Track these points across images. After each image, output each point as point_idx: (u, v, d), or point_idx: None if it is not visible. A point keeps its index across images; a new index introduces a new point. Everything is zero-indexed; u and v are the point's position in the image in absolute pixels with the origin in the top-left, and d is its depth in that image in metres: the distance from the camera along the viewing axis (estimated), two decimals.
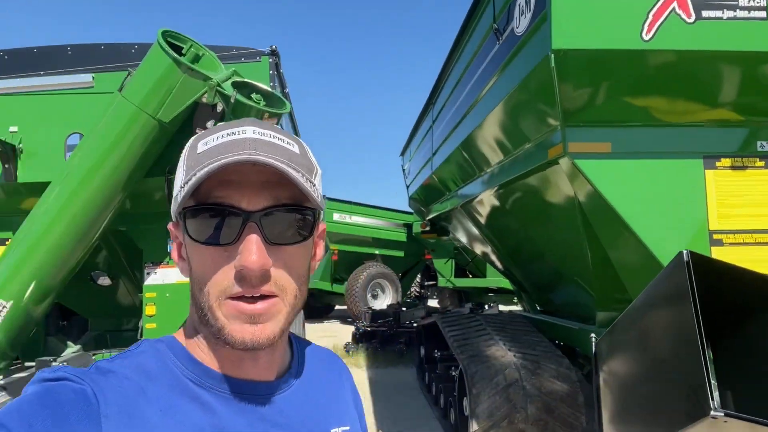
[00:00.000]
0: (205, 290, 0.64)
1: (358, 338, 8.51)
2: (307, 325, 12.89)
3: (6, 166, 4.10)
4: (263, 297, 0.63)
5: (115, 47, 4.40)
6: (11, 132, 4.18)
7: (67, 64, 4.32)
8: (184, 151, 0.68)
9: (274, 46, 4.51)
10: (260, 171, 0.62)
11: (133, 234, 4.63)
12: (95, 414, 0.56)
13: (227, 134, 0.64)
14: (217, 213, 0.62)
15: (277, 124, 4.24)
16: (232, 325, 0.63)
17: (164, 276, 4.54)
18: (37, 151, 4.22)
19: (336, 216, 12.59)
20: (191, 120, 4.09)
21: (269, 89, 4.30)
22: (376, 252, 13.41)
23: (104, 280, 5.26)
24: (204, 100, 3.95)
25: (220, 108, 4.00)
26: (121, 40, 4.51)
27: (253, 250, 0.60)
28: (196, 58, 4.05)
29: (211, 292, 0.63)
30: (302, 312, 7.47)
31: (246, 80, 4.19)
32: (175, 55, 3.85)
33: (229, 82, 4.03)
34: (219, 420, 0.64)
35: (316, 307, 14.69)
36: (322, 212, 0.71)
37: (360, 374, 7.04)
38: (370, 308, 9.50)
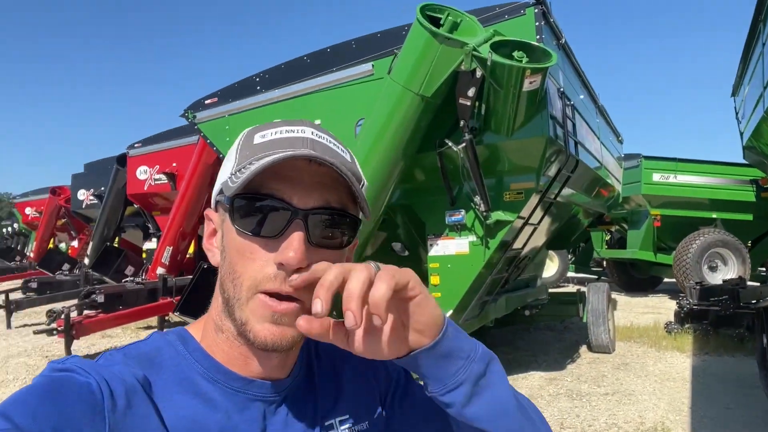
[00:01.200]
0: (239, 281, 0.63)
1: (683, 317, 7.28)
2: (628, 299, 11.76)
3: None
4: (291, 299, 0.62)
5: (389, 33, 4.68)
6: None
7: (353, 57, 4.80)
8: (237, 139, 0.68)
9: None
10: (314, 171, 0.63)
11: (417, 208, 4.91)
12: (99, 408, 0.56)
13: (286, 130, 0.65)
14: (267, 205, 0.62)
15: (542, 79, 3.85)
16: (256, 322, 0.63)
17: (445, 247, 4.68)
18: None
19: (656, 177, 10.95)
20: (454, 91, 4.06)
21: (533, 43, 3.93)
22: (714, 216, 11.20)
23: (402, 251, 5.75)
24: (462, 67, 3.86)
25: (479, 73, 3.85)
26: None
27: (294, 246, 0.60)
28: (454, 26, 3.98)
29: (244, 284, 0.63)
30: (606, 285, 6.77)
31: (505, 39, 3.92)
32: (432, 27, 3.85)
33: (487, 44, 3.83)
34: (225, 417, 0.64)
35: (639, 279, 13.22)
36: (360, 224, 0.69)
37: (680, 361, 6.00)
38: (698, 283, 7.98)
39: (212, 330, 0.69)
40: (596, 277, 14.78)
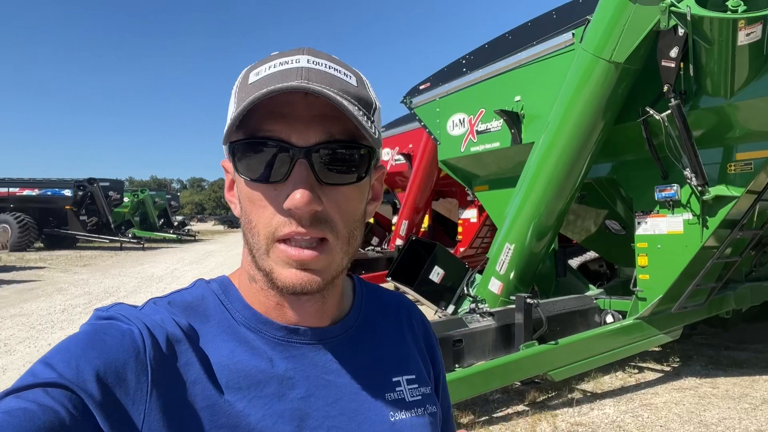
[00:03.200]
0: (255, 230, 0.61)
1: None
2: None
3: (513, 131, 4.88)
4: (313, 243, 0.59)
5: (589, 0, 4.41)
6: (516, 101, 4.92)
7: (554, 28, 4.66)
8: (235, 83, 0.64)
9: None
10: (311, 104, 0.58)
11: (622, 182, 4.56)
12: (142, 355, 0.56)
13: (280, 63, 0.60)
14: (265, 148, 0.58)
15: (765, 27, 3.23)
16: (281, 269, 0.60)
17: (654, 226, 4.28)
18: (536, 114, 4.79)
19: None
20: (655, 54, 3.67)
21: None
22: None
23: (618, 229, 5.37)
24: (661, 26, 3.47)
25: (681, 31, 3.42)
26: None
27: (301, 189, 0.57)
28: None
29: (261, 233, 0.60)
30: None
31: None
32: None
33: None
34: (269, 364, 0.63)
35: None
36: (379, 151, 0.64)
37: None
38: None
39: (246, 280, 0.67)
40: None
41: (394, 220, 12.06)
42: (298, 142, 0.58)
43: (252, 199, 0.60)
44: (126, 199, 25.20)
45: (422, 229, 9.10)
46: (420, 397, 0.71)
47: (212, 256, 18.32)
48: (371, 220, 11.77)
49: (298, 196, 0.56)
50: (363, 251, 8.56)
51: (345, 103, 0.56)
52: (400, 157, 9.33)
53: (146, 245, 22.13)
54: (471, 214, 8.46)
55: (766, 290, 5.22)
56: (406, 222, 8.69)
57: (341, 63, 0.62)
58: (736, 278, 4.85)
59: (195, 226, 46.21)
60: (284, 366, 0.63)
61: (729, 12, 3.25)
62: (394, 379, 0.70)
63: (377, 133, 0.61)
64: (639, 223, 4.38)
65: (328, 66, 0.60)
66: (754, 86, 3.53)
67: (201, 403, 0.57)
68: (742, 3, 3.26)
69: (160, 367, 0.57)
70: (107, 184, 23.18)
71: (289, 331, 0.65)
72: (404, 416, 0.68)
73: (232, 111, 0.60)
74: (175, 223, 29.92)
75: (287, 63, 0.59)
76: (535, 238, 4.52)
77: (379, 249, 8.49)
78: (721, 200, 3.86)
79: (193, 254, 19.26)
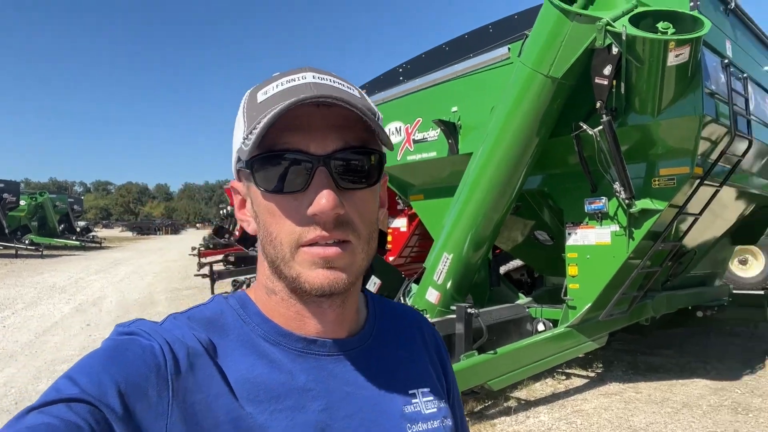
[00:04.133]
0: (277, 241, 0.62)
1: None
2: None
3: (450, 141, 4.90)
4: (337, 242, 0.61)
5: (525, 14, 4.54)
6: (453, 112, 4.95)
7: (490, 41, 4.74)
8: (241, 103, 0.66)
9: None
10: (325, 115, 0.61)
11: (554, 194, 4.70)
12: (163, 371, 0.57)
13: (287, 81, 0.62)
14: (285, 159, 0.61)
15: (692, 51, 3.43)
16: (308, 271, 0.61)
17: (584, 237, 4.43)
18: (473, 125, 4.84)
19: None
20: (589, 71, 3.81)
21: (680, 11, 3.51)
22: None
23: (546, 239, 5.54)
24: (596, 45, 3.60)
25: (615, 50, 3.56)
26: None
27: (324, 194, 0.59)
28: (590, 1, 3.73)
29: (284, 242, 0.62)
30: None
31: (648, 9, 3.57)
32: (562, 4, 3.67)
33: (625, 17, 3.53)
34: (289, 377, 0.64)
35: None
36: (385, 156, 0.67)
37: None
38: None
39: (264, 294, 0.68)
40: None
41: None
42: (317, 151, 0.60)
43: (272, 212, 0.62)
44: (23, 203, 23.16)
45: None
46: (436, 410, 0.72)
47: (121, 265, 17.23)
48: None
49: (323, 201, 0.58)
50: None
51: (357, 111, 0.59)
52: None
53: (45, 252, 20.50)
54: (401, 224, 8.45)
55: (680, 298, 5.57)
56: None
57: (341, 78, 0.66)
58: (654, 287, 5.12)
59: (100, 232, 43.36)
60: (304, 378, 0.64)
61: (660, 33, 3.43)
62: (411, 392, 0.71)
63: (387, 138, 0.64)
64: (569, 234, 4.53)
65: (332, 81, 0.63)
66: (678, 106, 3.74)
67: (223, 417, 0.58)
68: (671, 26, 3.45)
69: (181, 382, 0.58)
70: (1, 185, 21.23)
71: (309, 342, 0.66)
72: (421, 428, 0.70)
73: (243, 129, 0.62)
74: (78, 229, 28.00)
75: (294, 80, 0.62)
76: (473, 248, 4.54)
77: None
78: (646, 213, 4.05)
79: (99, 262, 18.02)
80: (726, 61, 3.95)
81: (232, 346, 0.64)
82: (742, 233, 6.34)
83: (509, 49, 4.56)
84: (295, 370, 0.64)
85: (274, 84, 0.63)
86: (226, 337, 0.64)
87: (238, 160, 0.64)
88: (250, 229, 0.68)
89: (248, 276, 7.72)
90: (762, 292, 6.25)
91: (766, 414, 4.12)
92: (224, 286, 10.87)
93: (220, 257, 12.84)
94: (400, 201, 8.32)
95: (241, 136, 0.63)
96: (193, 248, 15.62)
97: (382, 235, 9.65)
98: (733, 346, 6.51)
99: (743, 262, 10.41)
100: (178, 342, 0.60)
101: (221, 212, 33.50)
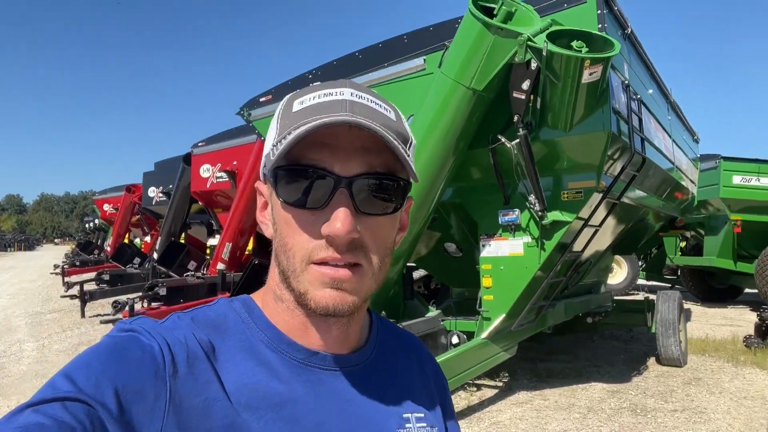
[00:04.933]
0: (291, 252, 0.62)
1: (765, 331, 6.66)
2: (705, 310, 10.98)
3: None
4: (348, 265, 0.61)
5: (441, 26, 4.54)
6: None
7: (405, 51, 4.69)
8: (278, 108, 0.66)
9: None
10: (355, 136, 0.60)
11: (468, 206, 4.73)
12: (161, 372, 0.57)
13: (324, 94, 0.62)
14: (308, 175, 0.60)
15: (604, 70, 3.60)
16: (315, 290, 0.61)
17: (498, 248, 4.49)
18: None
19: (737, 179, 10.12)
20: (507, 85, 3.87)
21: (593, 32, 3.68)
22: None
23: (454, 251, 5.58)
24: (516, 59, 3.67)
25: (534, 65, 3.64)
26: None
27: (341, 217, 0.59)
28: (508, 17, 3.79)
29: (296, 255, 0.62)
30: (678, 294, 6.30)
31: (563, 28, 3.70)
32: (484, 18, 3.69)
33: (543, 34, 3.63)
34: (288, 387, 0.63)
35: (717, 289, 12.32)
36: (411, 185, 0.66)
37: (760, 378, 5.47)
38: None
39: (272, 300, 0.68)
40: (669, 285, 13.93)
41: (210, 242, 11.15)
42: (341, 171, 0.60)
43: (289, 223, 0.62)
44: None
45: (247, 252, 8.50)
46: None
47: None
48: (182, 241, 10.70)
49: (339, 225, 0.58)
50: (180, 278, 7.65)
51: (388, 137, 0.58)
52: (223, 174, 8.65)
53: None
54: None
55: (575, 306, 5.88)
56: (230, 245, 8.02)
57: (380, 97, 0.65)
58: (554, 296, 5.35)
59: None
60: (302, 390, 0.64)
61: (573, 51, 3.56)
62: (405, 415, 0.71)
63: (412, 168, 0.62)
64: (483, 245, 4.57)
65: (370, 100, 0.62)
66: (587, 122, 3.91)
67: (219, 422, 0.58)
68: (584, 45, 3.61)
69: (178, 385, 0.57)
70: None
71: (310, 354, 0.66)
72: None
73: (274, 136, 0.63)
74: None
75: (331, 95, 0.61)
76: (390, 263, 4.41)
77: (199, 275, 7.65)
78: (556, 225, 4.19)
79: None
80: (626, 82, 4.23)
81: (234, 351, 0.63)
82: (621, 244, 6.89)
83: (425, 60, 4.54)
84: (294, 380, 0.64)
85: (311, 96, 0.62)
86: (228, 341, 0.64)
87: (265, 164, 0.64)
88: (268, 233, 0.68)
89: (131, 296, 6.95)
90: (642, 299, 6.80)
91: (662, 413, 4.42)
92: (96, 308, 9.78)
93: (90, 275, 11.57)
94: None
95: (271, 142, 0.63)
96: (56, 266, 13.97)
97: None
98: (616, 349, 7.02)
99: (610, 271, 11.15)
100: (179, 343, 0.60)
101: (87, 226, 30.63)
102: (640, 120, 4.50)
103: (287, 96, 0.66)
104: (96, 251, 18.89)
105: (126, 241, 16.70)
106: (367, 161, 0.61)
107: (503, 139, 4.02)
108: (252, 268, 4.66)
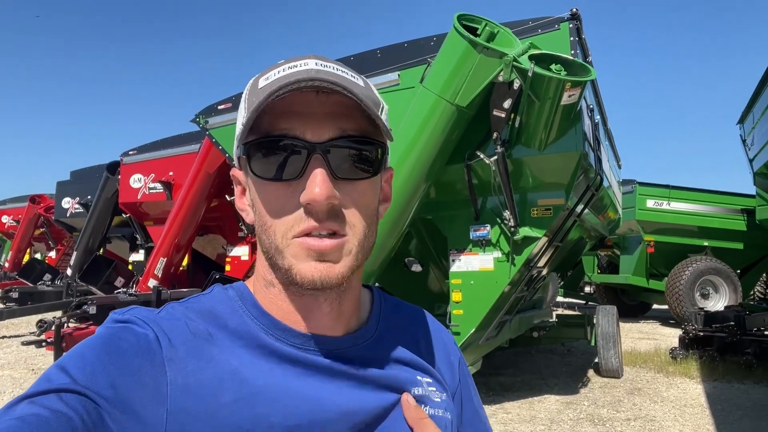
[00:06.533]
0: (271, 230, 0.61)
1: (688, 343, 7.23)
2: (623, 325, 11.69)
3: None
4: (330, 234, 0.60)
5: (416, 43, 4.60)
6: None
7: (378, 66, 4.69)
8: (244, 91, 0.64)
9: (575, 9, 4.05)
10: (323, 102, 0.59)
11: (438, 221, 4.77)
12: (158, 359, 0.56)
13: (288, 67, 0.60)
14: (280, 145, 0.59)
15: (581, 93, 3.79)
16: (300, 263, 0.60)
17: (468, 263, 4.54)
18: None
19: (650, 203, 11.03)
20: (488, 104, 3.97)
21: (570, 57, 3.88)
22: (705, 244, 11.30)
23: (416, 267, 5.59)
24: (500, 78, 3.78)
25: (517, 85, 3.77)
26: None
27: (318, 182, 0.57)
28: (491, 37, 3.91)
29: (277, 231, 0.61)
30: (615, 309, 6.69)
31: (543, 52, 3.86)
32: (471, 36, 3.78)
33: (526, 56, 3.77)
34: (285, 369, 0.62)
35: (629, 305, 13.23)
36: (388, 148, 0.65)
37: (692, 387, 5.92)
38: (701, 309, 7.99)
39: (262, 287, 0.67)
40: (584, 302, 14.79)
41: (133, 257, 10.42)
42: (313, 138, 0.59)
43: (266, 199, 0.62)
44: None
45: (181, 268, 8.02)
46: (439, 400, 0.70)
47: None
48: (101, 254, 9.90)
49: (317, 190, 0.57)
50: (110, 295, 7.06)
51: (359, 96, 0.57)
52: (157, 185, 8.14)
53: None
54: (242, 252, 7.83)
55: (529, 319, 6.07)
56: (164, 260, 7.53)
57: (347, 67, 0.64)
58: (515, 310, 5.49)
59: None
60: (301, 374, 0.63)
61: (553, 73, 3.73)
62: (413, 389, 0.68)
63: (388, 130, 0.63)
64: (453, 260, 4.61)
65: (335, 68, 0.61)
66: (560, 142, 4.10)
67: (230, 396, 0.57)
68: (563, 68, 3.79)
69: (176, 370, 0.56)
70: None
71: (307, 338, 0.65)
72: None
73: (243, 116, 0.61)
74: None
75: (296, 66, 0.60)
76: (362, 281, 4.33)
77: (132, 292, 7.10)
78: (527, 240, 4.33)
79: None
80: (591, 107, 4.49)
81: (229, 337, 0.62)
82: (563, 262, 7.25)
83: (399, 75, 4.57)
84: (290, 365, 0.63)
85: (276, 70, 0.61)
86: (224, 329, 0.63)
87: (238, 146, 0.63)
88: (248, 218, 0.67)
89: (56, 315, 6.31)
90: (582, 314, 7.15)
91: (618, 423, 4.63)
92: (2, 329, 8.80)
93: None
94: (243, 227, 7.75)
95: (241, 122, 0.61)
96: None
97: (214, 265, 8.84)
98: (555, 362, 7.31)
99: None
100: (174, 331, 0.60)
101: None
102: (599, 143, 4.78)
103: (252, 78, 0.65)
104: None
105: (27, 256, 15.23)
106: (339, 126, 0.60)
107: (482, 155, 4.10)
108: (213, 282, 4.36)
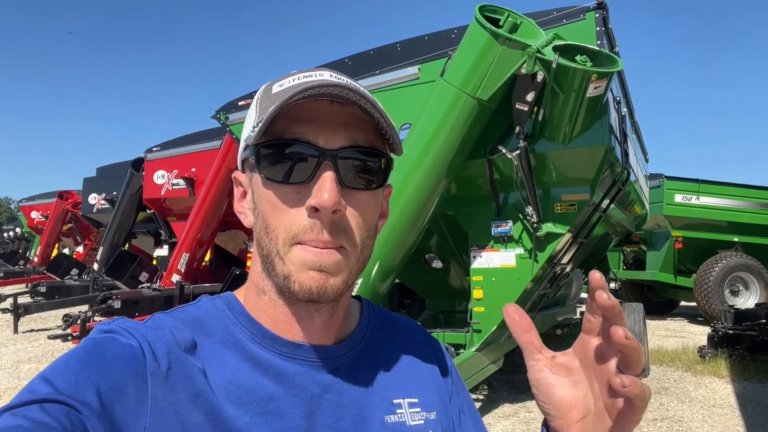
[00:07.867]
0: (273, 234, 0.61)
1: (717, 342, 7.04)
2: (649, 323, 11.48)
3: None
4: (333, 248, 0.61)
5: (436, 36, 4.53)
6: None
7: (398, 60, 4.63)
8: (256, 96, 0.65)
9: None
10: (337, 111, 0.61)
11: (459, 217, 4.70)
12: (142, 370, 0.56)
13: (304, 76, 0.62)
14: (292, 149, 0.60)
15: (607, 85, 3.68)
16: (299, 272, 0.60)
17: (489, 260, 4.47)
18: None
19: (678, 197, 10.76)
20: (510, 97, 3.88)
21: (596, 48, 3.77)
22: (735, 239, 10.99)
23: (436, 263, 5.53)
24: (523, 70, 3.68)
25: (540, 77, 3.67)
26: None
27: (327, 188, 0.58)
28: (514, 28, 3.82)
29: (279, 235, 0.61)
30: (642, 306, 6.54)
31: (568, 42, 3.75)
32: (493, 27, 3.69)
33: (550, 47, 3.67)
34: (273, 381, 0.62)
35: (656, 301, 12.96)
36: (392, 163, 0.67)
37: (721, 387, 5.76)
38: (731, 307, 7.77)
39: (254, 294, 0.67)
40: None
41: (157, 252, 10.56)
42: (325, 145, 0.60)
43: (272, 202, 0.62)
44: None
45: (204, 263, 8.10)
46: (423, 422, 0.70)
47: None
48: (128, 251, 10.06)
49: (325, 195, 0.58)
50: (135, 290, 7.16)
51: (373, 108, 0.59)
52: (180, 181, 8.22)
53: None
54: None
55: (552, 316, 5.97)
56: (187, 255, 7.61)
57: (359, 85, 0.65)
58: (538, 307, 5.41)
59: None
60: (288, 383, 0.63)
61: (578, 64, 3.62)
62: (396, 401, 0.69)
63: (398, 144, 0.64)
64: (474, 257, 4.54)
65: (348, 82, 0.62)
66: (585, 136, 3.99)
67: (203, 418, 0.57)
68: (588, 59, 3.68)
69: (160, 382, 0.56)
70: None
71: (294, 347, 0.65)
72: None
73: (254, 119, 0.63)
74: None
75: (311, 76, 0.62)
76: (380, 278, 4.31)
77: (155, 287, 7.19)
78: (550, 237, 4.23)
79: None
80: (617, 99, 4.36)
81: (217, 347, 0.63)
82: (587, 258, 7.10)
83: (419, 69, 4.50)
84: (279, 374, 0.63)
85: (291, 78, 0.63)
86: (211, 338, 0.63)
87: (245, 148, 0.64)
88: (246, 221, 0.68)
89: (82, 309, 6.42)
90: None
91: (645, 423, 4.52)
92: (29, 323, 8.99)
93: (21, 287, 10.67)
94: None
95: (251, 125, 0.63)
96: None
97: (236, 261, 8.90)
98: None
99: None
100: (159, 341, 0.59)
101: (5, 235, 28.34)
102: (626, 136, 4.65)
103: (266, 83, 0.66)
104: (21, 261, 17.49)
105: (55, 251, 15.59)
106: (351, 136, 0.61)
107: (504, 150, 4.02)
108: (233, 279, 4.39)
